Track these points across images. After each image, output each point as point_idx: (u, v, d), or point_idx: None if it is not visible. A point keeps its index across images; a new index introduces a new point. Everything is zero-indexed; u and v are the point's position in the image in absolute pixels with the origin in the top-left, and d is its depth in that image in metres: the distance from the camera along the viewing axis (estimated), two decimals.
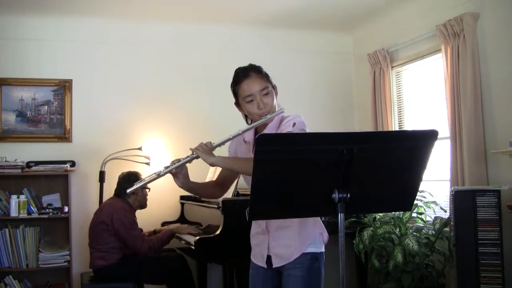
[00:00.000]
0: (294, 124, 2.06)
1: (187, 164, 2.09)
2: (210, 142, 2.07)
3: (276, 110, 2.12)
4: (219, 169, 2.35)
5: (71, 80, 4.61)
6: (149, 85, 4.78)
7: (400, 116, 4.71)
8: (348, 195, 1.64)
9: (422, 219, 3.92)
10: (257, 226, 2.20)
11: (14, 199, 4.12)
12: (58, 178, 4.42)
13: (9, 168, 4.16)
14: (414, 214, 3.92)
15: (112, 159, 4.41)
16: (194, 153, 2.04)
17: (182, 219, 4.56)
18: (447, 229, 3.67)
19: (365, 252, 3.94)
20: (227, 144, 2.17)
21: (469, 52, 3.66)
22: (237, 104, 2.20)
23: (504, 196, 3.30)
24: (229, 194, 3.48)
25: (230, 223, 3.49)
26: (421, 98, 4.45)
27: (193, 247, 3.55)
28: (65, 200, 4.34)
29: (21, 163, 4.24)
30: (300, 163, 1.60)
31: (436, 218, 3.72)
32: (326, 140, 1.60)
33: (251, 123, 2.15)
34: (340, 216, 1.65)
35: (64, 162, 4.35)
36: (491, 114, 3.62)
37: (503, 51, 3.54)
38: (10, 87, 4.48)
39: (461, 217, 3.35)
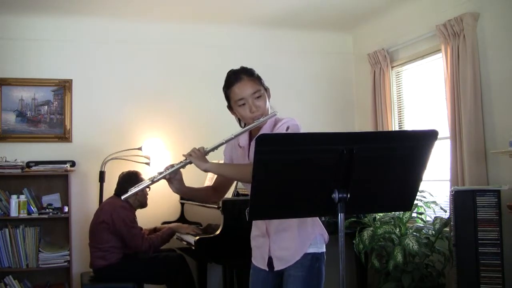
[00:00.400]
0: (288, 128, 2.04)
1: (182, 170, 2.06)
2: (203, 147, 2.04)
3: (269, 112, 2.10)
4: None
5: (71, 80, 4.61)
6: (149, 85, 4.78)
7: (400, 116, 4.71)
8: (348, 195, 1.63)
9: (422, 219, 3.92)
10: (257, 229, 2.19)
11: (14, 199, 4.12)
12: (58, 178, 4.42)
13: (9, 168, 4.16)
14: (414, 214, 3.92)
15: (112, 159, 4.41)
16: (187, 157, 2.02)
17: (182, 219, 4.56)
18: (447, 229, 3.67)
19: (365, 252, 3.94)
20: (222, 147, 2.16)
21: (469, 52, 3.66)
22: (230, 107, 2.17)
23: (504, 196, 3.30)
24: (229, 194, 3.48)
25: (230, 223, 3.49)
26: (421, 98, 4.45)
27: (193, 247, 3.55)
28: (65, 200, 4.34)
29: (21, 163, 4.24)
30: (300, 163, 1.60)
31: (436, 218, 3.72)
32: (326, 140, 1.60)
33: (244, 127, 2.13)
34: (340, 216, 1.65)
35: (64, 162, 4.35)
36: (491, 114, 3.62)
37: (503, 51, 3.54)
38: (10, 87, 4.48)
39: (461, 217, 3.35)
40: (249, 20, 4.84)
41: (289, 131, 2.02)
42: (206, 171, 2.05)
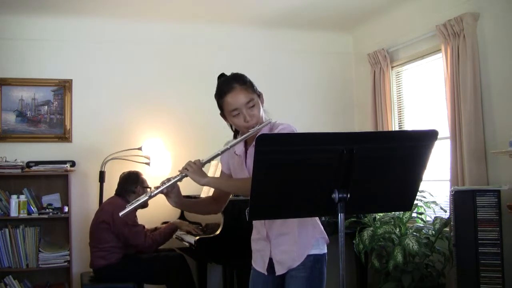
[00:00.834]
0: None
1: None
2: (199, 160, 2.00)
3: (264, 119, 2.06)
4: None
5: (71, 80, 4.61)
6: (149, 85, 4.78)
7: (400, 116, 4.71)
8: (348, 195, 1.63)
9: (422, 219, 3.92)
10: (257, 232, 2.17)
11: (14, 199, 4.11)
12: (58, 178, 4.41)
13: (9, 168, 4.16)
14: (414, 214, 3.92)
15: (112, 159, 4.41)
16: (183, 171, 1.98)
17: (182, 219, 4.56)
18: (447, 229, 3.67)
19: (365, 252, 3.95)
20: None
21: (469, 52, 3.66)
22: (223, 115, 2.13)
23: (504, 196, 3.30)
24: None
25: (230, 223, 3.49)
26: (421, 98, 4.45)
27: (193, 247, 3.55)
28: (65, 200, 4.34)
29: (21, 163, 4.23)
30: (300, 163, 1.60)
31: (436, 218, 3.72)
32: (326, 140, 1.60)
33: (237, 133, 2.11)
34: (340, 216, 1.65)
35: (64, 162, 4.35)
36: (491, 114, 3.62)
37: (503, 51, 3.54)
38: (10, 87, 4.48)
39: (461, 217, 3.35)
40: (249, 20, 4.84)
41: None
42: (204, 185, 2.03)
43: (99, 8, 4.40)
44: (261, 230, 2.13)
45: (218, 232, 3.51)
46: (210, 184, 2.05)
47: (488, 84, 3.64)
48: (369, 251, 3.95)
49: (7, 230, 4.15)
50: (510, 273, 3.27)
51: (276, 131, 2.03)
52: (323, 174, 1.63)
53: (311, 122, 5.04)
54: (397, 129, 4.66)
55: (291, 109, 4.88)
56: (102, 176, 4.40)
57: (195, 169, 1.98)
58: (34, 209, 4.21)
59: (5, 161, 4.20)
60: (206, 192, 3.88)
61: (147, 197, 2.00)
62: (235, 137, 2.20)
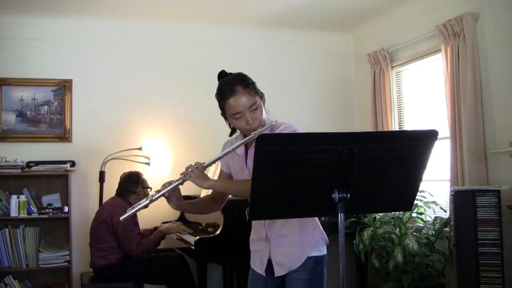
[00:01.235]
0: None
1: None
2: (200, 163, 1.98)
3: (266, 119, 2.06)
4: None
5: (71, 80, 4.61)
6: (149, 85, 4.78)
7: (400, 116, 4.71)
8: (348, 195, 1.63)
9: (422, 219, 3.92)
10: (256, 233, 2.17)
11: (14, 199, 4.12)
12: (58, 178, 4.42)
13: (9, 168, 4.16)
14: (414, 214, 3.92)
15: (112, 159, 4.41)
16: (185, 177, 1.96)
17: (182, 219, 4.56)
18: (447, 229, 3.67)
19: (365, 252, 3.95)
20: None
21: (469, 52, 3.66)
22: (224, 116, 2.11)
23: (504, 196, 3.30)
24: None
25: (230, 223, 3.49)
26: (421, 98, 4.45)
27: (193, 247, 3.55)
28: (65, 200, 4.34)
29: (21, 163, 4.24)
30: (300, 163, 1.60)
31: (436, 218, 3.72)
32: (326, 140, 1.60)
33: (234, 130, 2.13)
34: (340, 216, 1.65)
35: (64, 162, 4.35)
36: (491, 114, 3.62)
37: (503, 51, 3.54)
38: (10, 87, 4.48)
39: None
40: (249, 20, 4.84)
41: None
42: (207, 189, 2.03)
43: (99, 8, 4.40)
44: (260, 230, 2.13)
45: (218, 232, 3.51)
46: (213, 187, 2.06)
47: (488, 84, 3.64)
48: (369, 251, 3.95)
49: (7, 230, 4.16)
50: (510, 273, 3.27)
51: (277, 131, 2.02)
52: (323, 174, 1.63)
53: (311, 122, 5.04)
54: (397, 129, 4.66)
55: (291, 109, 4.88)
56: (102, 176, 4.40)
57: (197, 173, 1.96)
58: (34, 209, 4.21)
59: (5, 161, 4.21)
60: (206, 191, 3.88)
61: (148, 201, 1.99)
62: (231, 135, 2.21)
